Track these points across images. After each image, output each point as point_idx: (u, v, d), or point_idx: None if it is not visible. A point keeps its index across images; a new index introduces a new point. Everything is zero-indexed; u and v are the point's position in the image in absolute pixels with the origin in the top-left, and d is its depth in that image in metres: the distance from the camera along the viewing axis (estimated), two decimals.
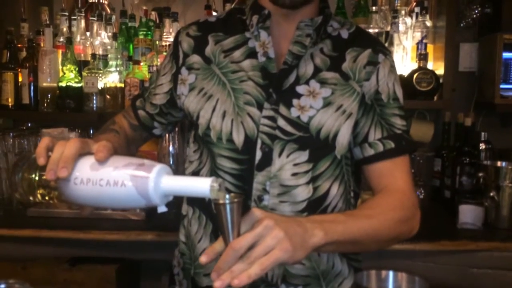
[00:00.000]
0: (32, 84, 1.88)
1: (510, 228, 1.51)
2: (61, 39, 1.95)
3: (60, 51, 1.92)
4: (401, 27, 1.80)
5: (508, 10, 1.65)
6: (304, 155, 0.90)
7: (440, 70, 1.75)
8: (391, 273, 0.64)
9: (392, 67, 0.96)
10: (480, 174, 1.55)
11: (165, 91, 1.01)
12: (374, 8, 1.77)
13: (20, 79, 1.89)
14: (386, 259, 1.37)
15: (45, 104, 1.86)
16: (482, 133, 1.77)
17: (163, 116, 1.04)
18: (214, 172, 0.94)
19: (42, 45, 1.92)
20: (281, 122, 0.90)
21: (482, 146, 1.75)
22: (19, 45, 1.94)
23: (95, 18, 1.98)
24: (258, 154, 0.90)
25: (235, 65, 0.94)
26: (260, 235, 0.64)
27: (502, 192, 1.51)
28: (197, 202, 0.98)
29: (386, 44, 1.73)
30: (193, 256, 0.99)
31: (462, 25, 1.82)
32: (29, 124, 2.03)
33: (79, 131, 1.85)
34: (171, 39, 1.95)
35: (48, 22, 1.97)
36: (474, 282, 1.43)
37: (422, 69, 1.68)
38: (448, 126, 1.80)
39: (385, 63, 0.94)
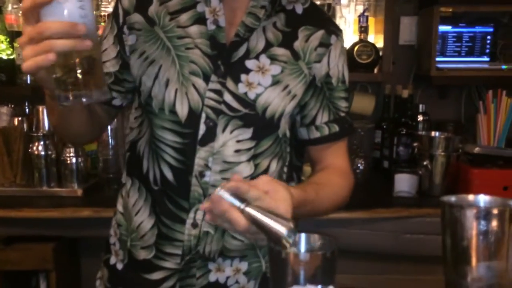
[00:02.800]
0: None
1: (442, 195, 1.58)
2: None
3: None
4: (344, 0, 1.81)
5: None
6: (248, 133, 0.88)
7: (380, 43, 1.78)
8: (303, 235, 0.66)
9: (343, 48, 0.94)
10: (415, 144, 1.60)
11: (113, 56, 0.93)
12: None
13: None
14: (324, 228, 1.41)
15: None
16: (420, 105, 1.83)
17: (119, 84, 0.95)
18: (153, 144, 0.90)
19: None
20: (227, 97, 0.86)
21: (420, 117, 1.81)
22: None
23: None
24: (202, 128, 0.86)
25: (182, 30, 0.88)
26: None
27: (435, 161, 1.57)
28: (136, 174, 0.95)
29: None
30: (130, 228, 0.95)
31: None
32: None
33: (12, 105, 1.76)
34: (110, 9, 1.87)
35: None
36: (407, 247, 1.50)
37: (363, 42, 1.70)
38: (388, 98, 1.85)
39: (336, 45, 0.92)
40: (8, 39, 1.78)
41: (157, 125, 0.89)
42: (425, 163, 1.57)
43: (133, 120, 0.96)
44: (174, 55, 0.87)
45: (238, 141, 0.88)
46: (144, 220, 0.91)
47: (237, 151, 0.88)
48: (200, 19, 0.88)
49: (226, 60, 0.87)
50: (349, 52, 1.70)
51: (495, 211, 0.61)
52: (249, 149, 0.89)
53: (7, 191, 1.55)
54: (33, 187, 1.56)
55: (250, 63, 0.87)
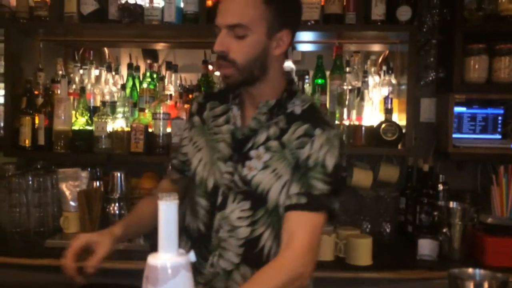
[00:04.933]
0: (47, 127, 2.11)
1: (460, 259, 1.78)
2: (74, 87, 2.21)
3: (73, 98, 2.17)
4: (371, 82, 2.11)
5: (457, 75, 1.97)
6: (247, 204, 1.18)
7: (404, 121, 2.05)
8: None
9: (328, 140, 1.12)
10: (435, 213, 1.83)
11: (187, 142, 1.31)
12: (347, 68, 2.08)
13: (36, 122, 2.13)
14: (354, 286, 1.62)
15: (59, 146, 2.08)
16: (440, 176, 2.06)
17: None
18: (193, 205, 1.24)
19: (57, 92, 2.17)
20: (236, 177, 1.18)
21: (440, 187, 2.04)
22: (36, 92, 2.19)
23: (104, 69, 2.25)
24: (219, 199, 1.20)
25: (217, 128, 1.24)
26: None
27: (453, 228, 1.79)
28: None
29: (358, 99, 2.04)
30: None
31: (422, 83, 2.13)
32: (41, 163, 2.25)
33: (89, 169, 2.09)
34: (172, 88, 2.23)
35: (62, 72, 2.23)
36: None
37: (388, 121, 1.97)
38: (411, 169, 2.09)
39: (320, 136, 1.13)
40: (88, 114, 2.12)
41: (197, 193, 1.24)
42: (444, 230, 1.79)
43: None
44: (210, 146, 1.24)
45: (241, 210, 1.19)
46: None
47: (239, 217, 1.19)
48: (228, 121, 1.24)
49: (239, 150, 1.20)
50: (376, 131, 1.97)
51: (486, 284, 0.85)
52: (248, 217, 1.18)
53: None
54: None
55: (252, 153, 1.19)
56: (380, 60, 2.34)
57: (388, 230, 1.98)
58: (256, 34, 1.10)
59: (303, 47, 2.47)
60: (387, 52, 2.31)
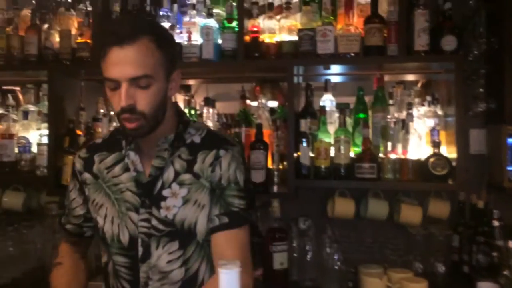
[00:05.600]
0: None
1: None
2: (114, 125, 2.23)
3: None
4: (415, 113, 2.03)
5: (509, 105, 1.87)
6: (175, 245, 1.15)
7: (453, 153, 1.95)
8: None
9: (233, 157, 1.18)
10: (494, 254, 1.70)
11: (81, 202, 1.29)
12: (391, 101, 2.01)
13: None
14: None
15: None
16: (495, 211, 1.93)
17: (89, 221, 1.30)
18: (114, 265, 1.20)
19: (98, 130, 2.20)
20: (154, 222, 1.15)
21: (495, 223, 1.90)
22: (78, 131, 2.22)
23: None
24: (140, 250, 1.16)
25: (116, 179, 1.21)
26: None
27: None
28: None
29: (403, 132, 1.96)
30: None
31: (470, 114, 2.04)
32: None
33: None
34: (210, 123, 2.21)
35: (103, 110, 2.26)
36: None
37: (437, 155, 1.88)
38: (463, 204, 1.98)
39: (226, 156, 1.17)
40: None
41: (112, 252, 1.20)
42: (505, 272, 1.66)
43: (102, 246, 1.26)
44: (113, 199, 1.20)
45: (170, 253, 1.15)
46: None
47: (169, 261, 1.15)
48: (127, 168, 1.20)
49: (149, 194, 1.16)
50: (424, 165, 1.88)
51: None
52: (179, 257, 1.15)
53: None
54: None
55: (165, 192, 1.16)
56: (419, 85, 2.26)
57: (442, 271, 1.86)
58: (158, 81, 1.11)
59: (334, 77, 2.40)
60: (424, 81, 2.24)
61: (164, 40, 1.13)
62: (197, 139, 1.21)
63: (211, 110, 2.24)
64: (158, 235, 1.15)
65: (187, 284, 1.15)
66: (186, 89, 2.65)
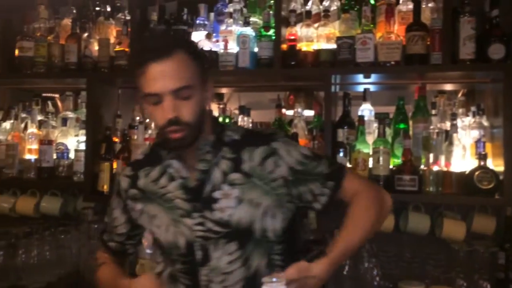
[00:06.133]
0: None
1: None
2: (149, 132, 2.25)
3: (149, 143, 2.20)
4: (459, 124, 1.95)
5: None
6: (234, 245, 1.14)
7: (499, 166, 1.86)
8: None
9: (286, 142, 1.21)
10: None
11: (123, 221, 1.30)
12: (433, 111, 1.94)
13: (114, 167, 2.16)
14: None
15: None
16: None
17: (131, 238, 1.34)
18: (174, 272, 1.20)
19: (134, 138, 2.21)
20: (210, 224, 1.14)
21: None
22: (114, 138, 2.24)
23: None
24: (199, 254, 1.15)
25: (163, 189, 1.21)
26: None
27: None
28: None
29: (446, 143, 1.88)
30: None
31: None
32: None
33: None
34: None
35: (140, 117, 2.28)
36: None
37: (483, 168, 1.79)
38: (510, 220, 1.88)
39: (280, 146, 1.19)
40: None
41: (169, 260, 1.20)
42: None
43: (159, 255, 1.27)
44: (165, 207, 1.20)
45: (229, 254, 1.14)
46: None
47: (229, 262, 1.14)
48: (172, 177, 1.20)
49: (198, 198, 1.16)
50: (470, 178, 1.79)
51: None
52: (239, 257, 1.14)
53: None
54: None
55: (216, 194, 1.15)
56: (460, 95, 2.17)
57: None
58: (197, 91, 1.14)
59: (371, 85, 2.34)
60: (465, 90, 2.15)
61: (198, 52, 1.18)
62: (236, 136, 1.22)
63: (246, 118, 2.22)
64: (215, 237, 1.15)
65: (249, 282, 1.15)
66: (219, 97, 2.66)
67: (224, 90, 2.55)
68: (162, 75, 1.09)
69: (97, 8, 2.37)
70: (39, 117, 2.38)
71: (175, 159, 1.20)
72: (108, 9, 2.35)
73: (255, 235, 1.15)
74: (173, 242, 1.18)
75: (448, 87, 2.17)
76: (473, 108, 2.00)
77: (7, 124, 2.39)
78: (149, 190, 1.24)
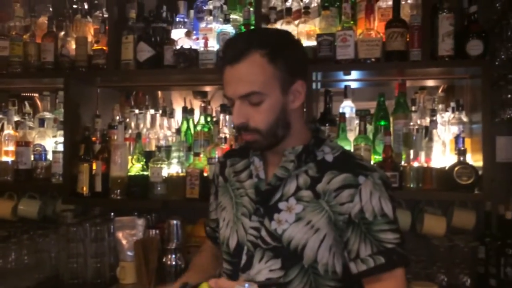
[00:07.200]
0: (104, 173, 2.08)
1: None
2: (130, 132, 2.21)
3: (129, 143, 2.16)
4: (439, 120, 1.96)
5: None
6: (277, 263, 1.07)
7: (478, 162, 1.87)
8: None
9: (376, 185, 1.04)
10: None
11: (215, 207, 1.29)
12: (413, 107, 1.95)
13: (94, 169, 2.12)
14: None
15: (115, 192, 2.06)
16: None
17: None
18: (222, 272, 1.18)
19: (113, 138, 2.17)
20: (263, 232, 1.10)
21: None
22: (94, 139, 2.20)
23: (159, 112, 2.24)
24: (244, 258, 1.11)
25: (240, 184, 1.19)
26: None
27: None
28: None
29: (426, 139, 1.89)
30: None
31: (497, 120, 1.96)
32: (97, 209, 2.24)
33: (146, 216, 2.04)
34: (226, 130, 2.17)
35: (119, 117, 2.24)
36: None
37: (462, 164, 1.80)
38: (489, 215, 1.90)
39: (366, 184, 1.04)
40: (144, 160, 2.10)
41: (223, 258, 1.17)
42: None
43: None
44: (234, 202, 1.18)
45: (270, 270, 1.07)
46: None
47: (268, 279, 1.07)
48: (251, 175, 1.17)
49: (264, 203, 1.11)
50: (449, 174, 1.81)
51: None
52: (279, 278, 1.05)
53: None
54: None
55: (282, 205, 1.10)
56: (440, 91, 2.19)
57: (467, 283, 1.79)
58: (271, 96, 1.06)
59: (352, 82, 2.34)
60: (445, 86, 2.17)
61: (279, 52, 1.07)
62: (329, 157, 1.12)
63: (227, 117, 2.20)
64: (263, 247, 1.09)
65: None
66: (202, 95, 2.63)
67: (207, 88, 2.52)
68: (232, 80, 1.06)
69: (74, 6, 2.33)
70: (16, 118, 2.32)
71: (258, 157, 1.17)
72: (86, 6, 2.30)
73: (303, 261, 1.05)
74: (227, 239, 1.16)
75: (428, 83, 2.19)
76: (452, 104, 2.01)
77: None
78: (230, 180, 1.23)
